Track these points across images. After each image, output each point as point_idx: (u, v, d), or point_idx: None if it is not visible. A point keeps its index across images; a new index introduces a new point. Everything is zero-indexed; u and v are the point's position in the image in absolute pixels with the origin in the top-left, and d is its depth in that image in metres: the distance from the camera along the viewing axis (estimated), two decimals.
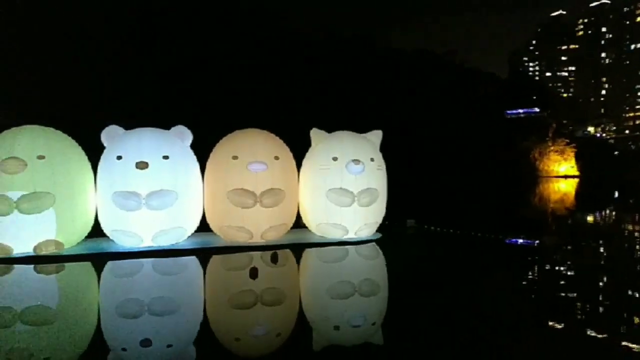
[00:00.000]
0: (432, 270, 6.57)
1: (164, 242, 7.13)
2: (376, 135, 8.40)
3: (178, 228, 7.21)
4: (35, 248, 6.62)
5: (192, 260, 7.01)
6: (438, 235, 9.43)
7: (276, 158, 7.55)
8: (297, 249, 7.56)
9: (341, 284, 5.76)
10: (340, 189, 7.68)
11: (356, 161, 7.67)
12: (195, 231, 7.72)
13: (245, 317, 4.53)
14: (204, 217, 7.73)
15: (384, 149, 8.43)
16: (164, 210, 6.95)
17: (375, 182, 7.93)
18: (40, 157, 6.55)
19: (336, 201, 7.70)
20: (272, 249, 7.34)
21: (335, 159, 7.76)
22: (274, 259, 6.84)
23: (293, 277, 6.32)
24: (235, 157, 7.35)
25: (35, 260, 6.55)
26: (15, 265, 6.39)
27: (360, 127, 8.44)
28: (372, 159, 7.93)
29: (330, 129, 8.30)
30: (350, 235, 7.95)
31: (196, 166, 7.54)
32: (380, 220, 8.36)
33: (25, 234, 6.56)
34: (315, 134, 8.22)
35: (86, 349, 3.71)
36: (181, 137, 7.39)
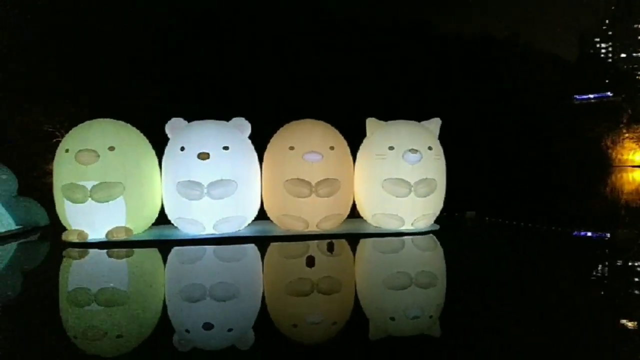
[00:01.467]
0: (493, 264, 6.36)
1: (225, 230, 7.39)
2: (435, 124, 8.19)
3: (238, 216, 7.44)
4: (107, 234, 7.08)
5: (251, 247, 7.22)
6: (500, 227, 9.09)
7: (331, 148, 7.57)
8: (353, 239, 7.58)
9: (397, 275, 5.71)
10: (396, 179, 7.58)
11: (413, 150, 7.52)
12: (254, 219, 7.93)
13: (302, 304, 4.61)
14: (262, 206, 7.93)
15: (443, 137, 8.20)
16: (225, 199, 7.19)
17: (433, 172, 7.75)
18: (111, 149, 6.96)
19: (392, 191, 7.61)
20: (327, 239, 7.40)
21: (391, 148, 7.66)
22: (330, 248, 6.90)
23: (349, 267, 6.35)
24: (291, 148, 7.45)
25: (108, 245, 7.01)
26: (90, 250, 6.88)
27: (418, 116, 8.25)
28: (430, 148, 7.74)
29: (386, 118, 8.19)
30: (407, 227, 7.85)
31: (255, 157, 7.72)
32: (438, 212, 8.17)
33: (98, 221, 7.03)
34: (371, 123, 8.15)
35: (154, 328, 3.94)
36: (240, 129, 7.59)
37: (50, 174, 7.30)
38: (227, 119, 7.61)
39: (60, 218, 7.28)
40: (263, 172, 7.82)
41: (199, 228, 7.31)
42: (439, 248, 7.32)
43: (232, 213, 7.34)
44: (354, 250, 7.16)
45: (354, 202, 8.23)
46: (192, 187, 7.04)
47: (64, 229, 7.29)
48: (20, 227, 8.02)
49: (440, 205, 8.16)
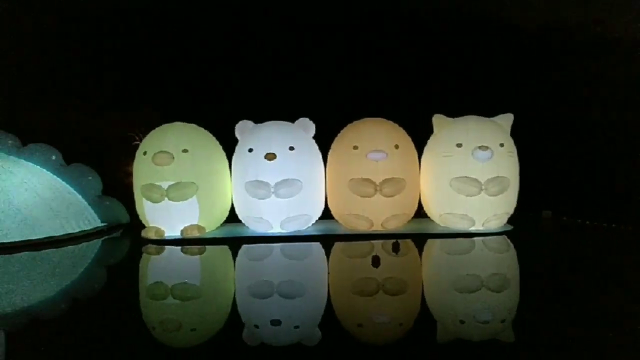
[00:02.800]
0: (570, 267, 5.95)
1: (291, 228, 7.53)
2: (507, 119, 7.81)
3: (303, 215, 7.54)
4: (181, 231, 7.46)
5: (317, 246, 7.29)
6: (578, 228, 8.50)
7: (396, 147, 7.47)
8: (419, 240, 7.42)
9: (467, 278, 5.52)
10: (465, 178, 7.33)
11: (483, 147, 7.23)
12: (319, 218, 8.01)
13: (368, 304, 4.59)
14: (327, 205, 7.98)
15: (517, 133, 7.80)
16: (291, 199, 7.32)
17: (505, 170, 7.40)
18: (185, 151, 7.33)
19: (461, 190, 7.36)
20: (392, 238, 7.31)
21: (459, 145, 7.41)
22: (396, 249, 6.81)
23: (415, 268, 6.23)
24: (355, 147, 7.43)
25: (182, 242, 7.39)
26: (166, 246, 7.29)
27: (489, 111, 7.93)
28: (501, 145, 7.40)
29: (455, 115, 7.94)
30: (477, 227, 7.56)
31: (319, 156, 7.79)
32: (511, 211, 7.80)
33: (174, 219, 7.43)
34: (437, 119, 7.94)
35: (225, 323, 4.09)
36: (305, 129, 7.69)
37: (130, 175, 7.83)
38: (293, 119, 7.74)
39: (140, 216, 7.78)
40: (327, 171, 7.87)
41: (266, 226, 7.50)
42: (512, 250, 6.97)
43: (298, 212, 7.46)
44: (420, 250, 7.01)
45: (420, 201, 8.06)
46: (259, 187, 7.24)
47: (143, 226, 7.78)
48: (104, 224, 8.66)
49: (514, 204, 7.77)
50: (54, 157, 8.56)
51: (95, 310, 4.55)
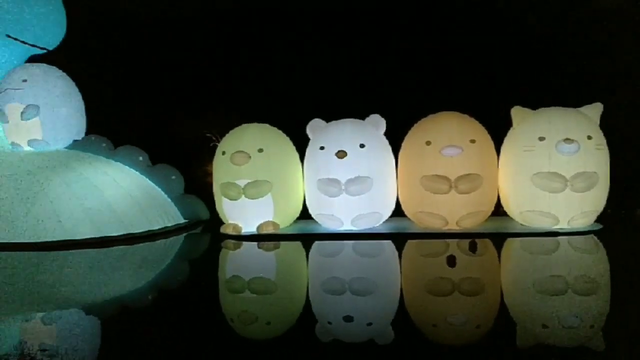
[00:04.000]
0: None
1: (362, 226, 7.53)
2: (595, 109, 7.23)
3: (375, 212, 7.51)
4: (257, 228, 7.74)
5: (388, 244, 7.22)
6: None
7: (472, 141, 7.18)
8: (498, 239, 7.09)
9: (550, 279, 5.20)
10: (548, 173, 6.89)
11: (568, 140, 6.76)
12: (391, 216, 7.93)
13: (443, 304, 4.48)
14: (398, 202, 7.88)
15: (607, 125, 7.19)
16: (362, 196, 7.32)
17: (593, 164, 6.86)
18: (260, 150, 7.59)
19: (544, 186, 6.93)
20: (469, 237, 7.05)
21: (542, 138, 6.97)
22: (473, 248, 6.56)
23: (494, 268, 5.97)
24: (428, 143, 7.25)
25: (258, 238, 7.66)
26: (244, 242, 7.59)
27: (574, 102, 7.39)
28: (589, 137, 6.87)
29: (536, 107, 7.48)
30: (562, 225, 7.08)
31: (390, 153, 7.71)
32: (600, 209, 7.21)
33: (250, 216, 7.73)
34: (516, 112, 7.51)
35: (298, 317, 4.19)
36: (376, 126, 7.65)
37: (209, 174, 8.26)
38: (364, 116, 7.72)
39: (219, 213, 8.18)
40: (399, 168, 7.76)
41: (337, 223, 7.56)
42: (602, 250, 6.46)
43: (369, 209, 7.44)
44: (499, 250, 6.71)
45: (498, 198, 7.70)
46: (331, 184, 7.31)
47: (221, 222, 8.16)
48: (186, 221, 9.19)
49: (603, 202, 7.18)
50: (141, 158, 9.22)
51: (179, 301, 4.86)
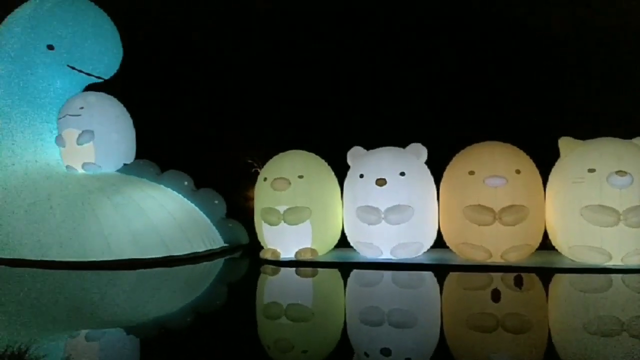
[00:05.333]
0: None
1: (402, 255, 7.38)
2: None
3: (415, 242, 7.37)
4: (296, 254, 7.75)
5: (429, 275, 7.04)
6: None
7: (517, 172, 6.97)
8: (545, 274, 6.77)
9: (603, 319, 4.88)
10: (599, 206, 6.57)
11: (621, 172, 6.45)
12: (432, 247, 7.75)
13: (486, 341, 4.28)
14: (440, 233, 7.70)
15: None
16: (402, 225, 7.21)
17: None
18: (300, 177, 7.67)
19: (594, 220, 6.60)
20: (514, 271, 6.76)
21: (592, 170, 6.69)
22: (518, 283, 6.28)
23: (540, 305, 5.68)
24: (471, 172, 7.10)
25: (296, 264, 7.65)
26: (281, 268, 7.60)
27: (626, 133, 7.09)
28: None
29: (584, 138, 7.21)
30: (615, 262, 6.68)
31: (431, 182, 7.60)
32: None
33: (289, 242, 7.76)
34: (564, 142, 7.26)
35: (335, 347, 4.11)
36: (417, 154, 7.58)
37: (249, 199, 8.40)
38: (405, 145, 7.68)
39: (259, 238, 8.26)
40: (441, 197, 7.62)
41: (376, 252, 7.46)
42: None
43: (409, 239, 7.30)
44: (546, 286, 6.39)
45: (545, 232, 7.38)
46: (370, 212, 7.25)
47: (261, 247, 8.23)
48: (227, 244, 9.32)
49: None
50: (186, 183, 9.52)
51: (216, 325, 4.89)
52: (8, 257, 8.16)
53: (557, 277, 6.74)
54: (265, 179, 7.88)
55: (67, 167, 9.14)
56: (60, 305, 5.70)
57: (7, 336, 4.26)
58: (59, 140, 9.09)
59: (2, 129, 8.96)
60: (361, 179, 7.44)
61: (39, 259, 7.85)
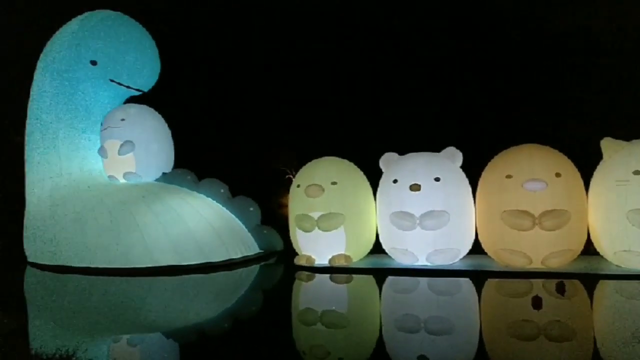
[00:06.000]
0: None
1: (438, 262, 7.27)
2: None
3: (451, 249, 7.25)
4: (330, 260, 7.76)
5: (466, 282, 6.90)
6: None
7: (557, 175, 6.76)
8: (589, 280, 6.51)
9: None
10: None
11: None
12: (469, 253, 7.60)
13: (527, 349, 4.16)
14: (477, 239, 7.54)
15: None
16: (437, 231, 7.11)
17: None
18: (334, 183, 7.69)
19: None
20: (555, 278, 6.54)
21: (637, 172, 6.42)
22: (561, 290, 6.06)
23: (584, 312, 5.47)
24: (509, 176, 6.93)
25: (330, 270, 7.66)
26: (316, 274, 7.63)
27: None
28: None
29: (628, 138, 6.93)
30: None
31: (467, 187, 7.47)
32: None
33: (323, 248, 7.78)
34: (607, 143, 6.99)
35: (371, 355, 4.09)
36: (452, 159, 7.47)
37: (284, 206, 8.48)
38: (439, 149, 7.59)
39: (293, 244, 8.33)
40: (477, 202, 7.47)
41: (412, 259, 7.38)
42: None
43: (445, 245, 7.19)
44: (590, 293, 6.15)
45: (589, 237, 7.11)
46: (404, 218, 7.19)
47: (295, 253, 8.29)
48: (262, 251, 9.44)
49: None
50: (222, 191, 9.72)
51: (252, 331, 4.95)
52: (55, 264, 8.57)
53: (602, 283, 6.47)
54: (299, 186, 7.95)
55: (110, 177, 9.50)
56: (104, 311, 5.92)
57: (55, 340, 4.46)
58: (102, 151, 9.47)
59: (49, 141, 9.42)
60: (395, 184, 7.39)
61: (84, 266, 8.19)
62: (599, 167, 7.08)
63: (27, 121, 9.71)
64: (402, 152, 7.80)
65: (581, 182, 7.05)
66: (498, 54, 10.34)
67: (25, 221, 9.48)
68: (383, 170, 7.85)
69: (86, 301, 6.58)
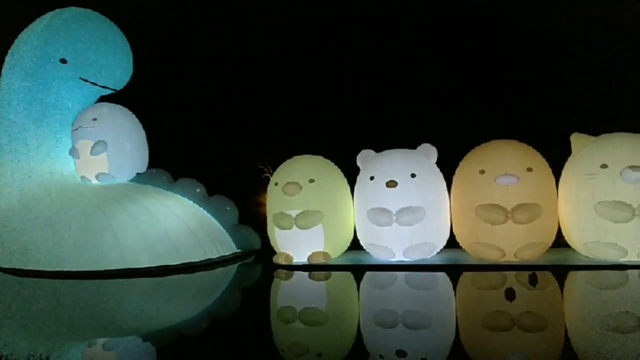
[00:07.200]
0: None
1: (414, 257, 7.38)
2: None
3: (427, 243, 7.36)
4: (308, 258, 7.77)
5: (442, 276, 7.02)
6: None
7: (529, 170, 6.94)
8: (560, 272, 6.72)
9: (620, 316, 4.83)
10: (613, 202, 6.52)
11: (635, 167, 6.40)
12: (445, 247, 7.73)
13: (501, 340, 4.27)
14: (452, 233, 7.68)
15: None
16: (414, 226, 7.21)
17: None
18: (311, 181, 7.71)
19: (608, 216, 6.54)
20: (527, 270, 6.72)
21: (604, 166, 6.64)
22: (533, 281, 6.24)
23: (555, 303, 5.64)
24: (482, 172, 7.08)
25: (309, 268, 7.68)
26: (295, 272, 7.64)
27: (635, 128, 7.02)
28: None
29: (595, 134, 7.17)
30: (631, 258, 6.61)
31: (442, 182, 7.59)
32: None
33: (301, 246, 7.79)
34: (576, 138, 7.22)
35: (350, 350, 4.13)
36: (427, 155, 7.58)
37: (261, 205, 8.45)
38: (414, 146, 7.69)
39: (271, 242, 8.31)
40: (452, 198, 7.60)
41: (389, 254, 7.46)
42: None
43: (422, 240, 7.30)
44: (561, 283, 6.34)
45: (559, 229, 7.33)
46: (381, 214, 7.26)
47: (273, 252, 8.28)
48: (240, 250, 9.38)
49: None
50: (198, 190, 9.60)
51: (232, 330, 4.93)
52: (26, 268, 8.32)
53: (572, 274, 6.69)
54: (276, 184, 7.94)
55: (82, 177, 9.28)
56: (77, 315, 5.80)
57: (27, 346, 4.35)
58: (73, 152, 9.25)
59: (18, 143, 9.14)
60: (372, 181, 7.46)
61: (56, 270, 7.98)
62: (568, 162, 7.31)
63: None
64: (378, 149, 7.87)
65: (552, 176, 7.26)
66: (470, 50, 10.53)
67: None
68: (360, 167, 7.91)
69: (58, 305, 6.43)
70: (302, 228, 7.64)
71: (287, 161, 8.28)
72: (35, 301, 6.69)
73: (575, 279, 6.55)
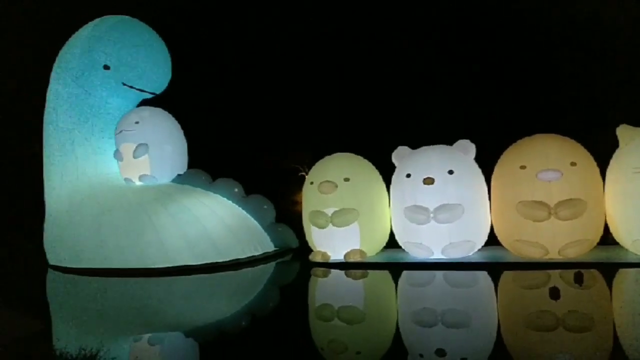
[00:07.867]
0: None
1: (453, 255, 7.25)
2: None
3: (466, 241, 7.22)
4: (345, 256, 7.79)
5: (482, 274, 6.87)
6: None
7: (573, 164, 6.68)
8: (608, 270, 6.44)
9: None
10: None
11: None
12: (485, 245, 7.56)
13: (545, 340, 4.15)
14: (493, 231, 7.50)
15: None
16: (452, 224, 7.09)
17: None
18: (347, 180, 7.71)
19: None
20: (572, 268, 6.48)
21: None
22: (579, 280, 6.01)
23: (603, 302, 5.41)
24: (523, 167, 6.88)
25: (346, 266, 7.69)
26: (332, 270, 7.67)
27: None
28: None
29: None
30: None
31: (481, 179, 7.42)
32: None
33: (337, 244, 7.81)
34: (624, 131, 6.87)
35: (389, 349, 4.12)
36: (464, 151, 7.43)
37: (298, 203, 8.52)
38: (452, 142, 7.55)
39: (308, 241, 8.37)
40: (492, 194, 7.42)
41: (427, 252, 7.37)
42: None
43: (460, 238, 7.17)
44: (609, 282, 6.08)
45: (606, 226, 7.03)
46: (418, 212, 7.18)
47: (310, 250, 8.33)
48: (277, 248, 9.50)
49: None
50: (236, 190, 9.79)
51: (271, 328, 5.01)
52: (75, 266, 8.73)
53: (622, 272, 6.40)
54: (312, 183, 7.99)
55: (126, 179, 9.64)
56: (124, 311, 6.04)
57: (78, 341, 4.57)
58: (117, 155, 9.61)
59: (66, 147, 9.59)
60: (408, 178, 7.38)
61: (102, 267, 8.34)
62: (615, 155, 6.99)
63: (44, 127, 9.88)
64: (414, 146, 7.78)
65: (597, 171, 6.96)
66: (508, 43, 10.23)
67: (45, 225, 9.67)
68: (396, 165, 7.84)
69: (106, 302, 6.71)
70: (337, 226, 7.66)
71: (322, 160, 8.31)
72: (84, 298, 7.01)
73: (624, 277, 6.27)
